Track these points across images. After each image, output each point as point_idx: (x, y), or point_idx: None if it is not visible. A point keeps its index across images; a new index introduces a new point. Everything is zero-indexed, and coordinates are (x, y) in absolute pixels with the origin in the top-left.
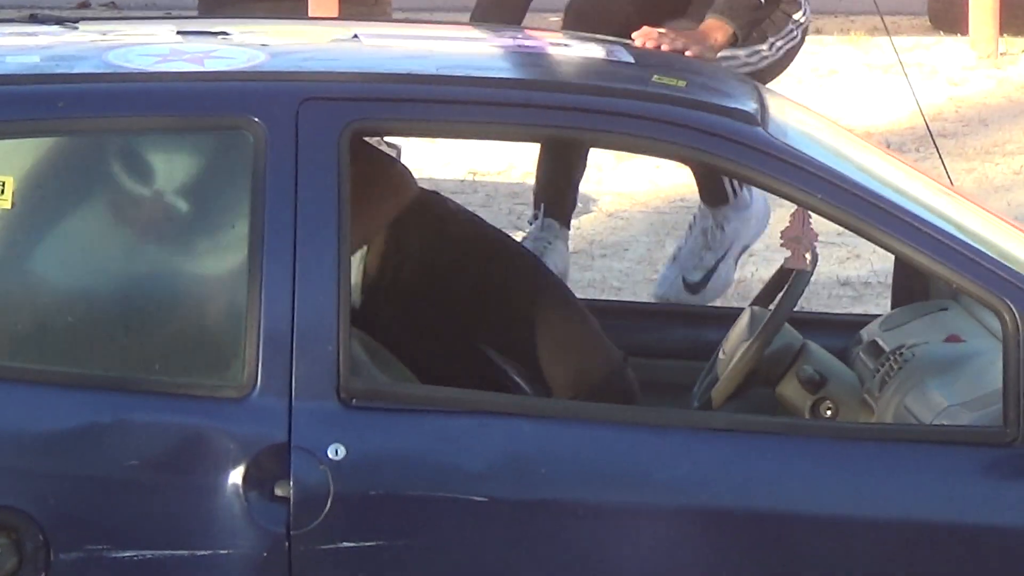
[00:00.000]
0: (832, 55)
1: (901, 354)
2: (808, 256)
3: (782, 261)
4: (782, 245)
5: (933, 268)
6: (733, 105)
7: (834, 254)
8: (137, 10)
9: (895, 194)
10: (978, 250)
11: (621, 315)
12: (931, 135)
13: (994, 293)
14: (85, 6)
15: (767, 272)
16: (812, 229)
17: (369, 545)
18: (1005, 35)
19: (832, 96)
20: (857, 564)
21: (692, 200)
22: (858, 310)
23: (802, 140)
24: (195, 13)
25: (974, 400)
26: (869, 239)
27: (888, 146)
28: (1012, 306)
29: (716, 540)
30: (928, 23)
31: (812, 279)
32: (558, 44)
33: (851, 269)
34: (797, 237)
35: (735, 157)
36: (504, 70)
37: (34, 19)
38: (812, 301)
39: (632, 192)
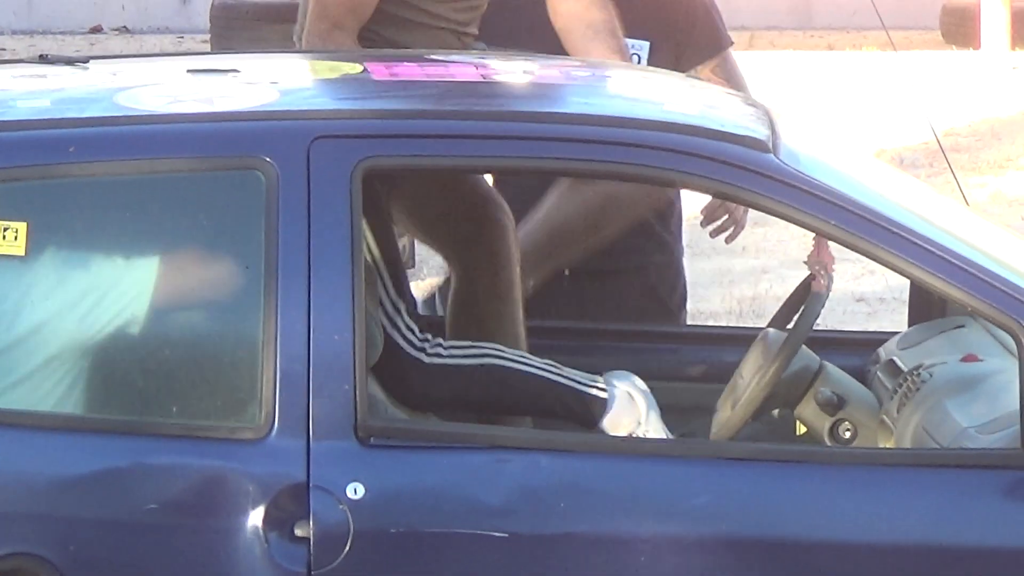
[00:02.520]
0: (844, 71)
1: (919, 374)
2: (826, 280)
3: (795, 279)
4: (808, 268)
5: (946, 291)
6: (744, 132)
7: (848, 270)
8: (149, 34)
9: (907, 216)
10: (990, 271)
11: (636, 338)
12: (943, 150)
13: (1008, 314)
14: (97, 30)
15: (781, 289)
16: (830, 253)
17: None
18: (1017, 48)
19: (844, 113)
20: None
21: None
22: (873, 326)
23: (814, 165)
24: (207, 37)
25: (992, 422)
26: (881, 263)
27: (901, 163)
28: None
29: (737, 570)
30: (940, 37)
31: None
32: (566, 70)
33: (866, 285)
34: (820, 261)
35: (747, 185)
36: (517, 102)
37: (44, 60)
38: (827, 318)
39: None
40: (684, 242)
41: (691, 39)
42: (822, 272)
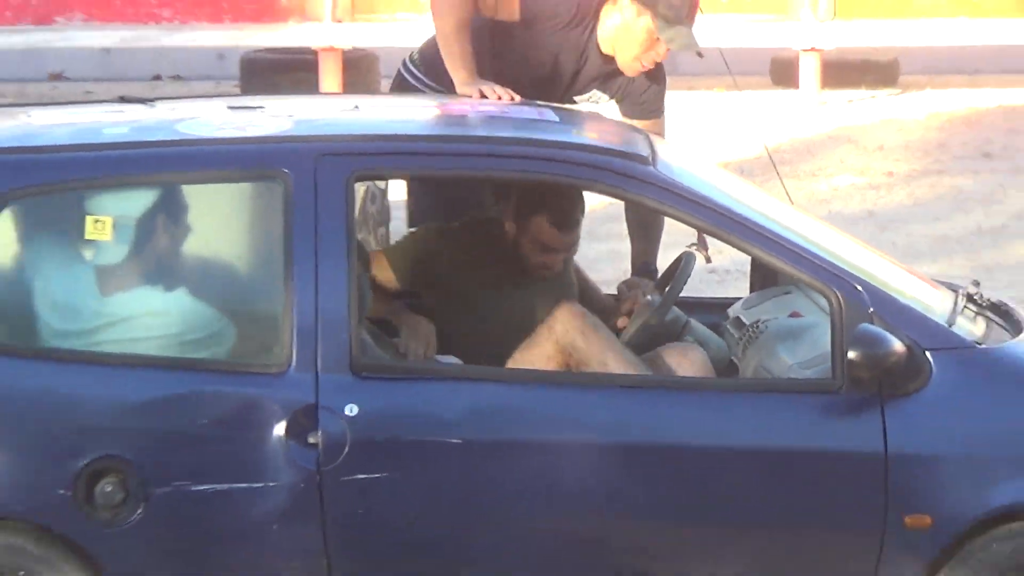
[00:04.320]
0: (701, 105)
1: (757, 327)
2: (697, 254)
3: (670, 256)
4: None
5: (779, 266)
6: (631, 150)
7: None
8: (196, 80)
9: (749, 210)
10: (809, 250)
11: None
12: (773, 162)
13: (823, 282)
14: (157, 78)
15: (657, 263)
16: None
17: (377, 476)
18: (825, 89)
19: (700, 135)
20: (730, 479)
21: (599, 211)
22: (722, 293)
23: (682, 174)
24: (237, 83)
25: (810, 360)
26: (730, 245)
27: (741, 172)
28: (837, 292)
29: (629, 467)
30: (770, 80)
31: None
32: (503, 109)
33: (717, 261)
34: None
35: (632, 189)
36: (469, 128)
37: (123, 100)
38: (688, 285)
39: None
40: (585, 231)
41: (643, 100)
42: (695, 251)
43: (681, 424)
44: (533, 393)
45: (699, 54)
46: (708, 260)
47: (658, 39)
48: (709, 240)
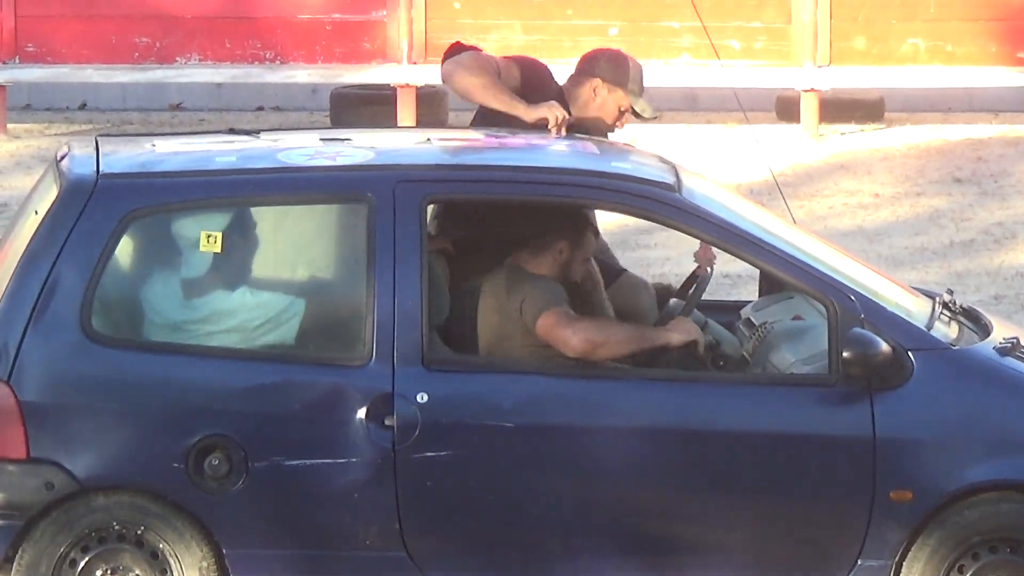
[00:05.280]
0: (717, 137)
1: (765, 327)
2: (710, 269)
3: (689, 264)
4: (695, 260)
5: (782, 278)
6: (659, 179)
7: (721, 257)
8: (293, 111)
9: (758, 229)
10: (810, 264)
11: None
12: (778, 186)
13: (821, 292)
14: (260, 109)
15: (679, 270)
16: (712, 251)
17: (443, 454)
18: (823, 123)
19: (715, 162)
20: (744, 458)
21: (631, 226)
22: (735, 296)
23: (704, 199)
24: (327, 113)
25: (810, 357)
26: (743, 260)
27: (750, 193)
28: (833, 300)
29: (660, 451)
30: (775, 116)
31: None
32: (551, 142)
33: (731, 267)
34: (706, 257)
35: (661, 213)
36: (518, 159)
37: (232, 131)
38: (708, 291)
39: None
40: (618, 241)
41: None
42: (707, 264)
43: (705, 412)
44: (585, 384)
45: (656, 118)
46: (708, 273)
47: (626, 110)
48: (723, 254)
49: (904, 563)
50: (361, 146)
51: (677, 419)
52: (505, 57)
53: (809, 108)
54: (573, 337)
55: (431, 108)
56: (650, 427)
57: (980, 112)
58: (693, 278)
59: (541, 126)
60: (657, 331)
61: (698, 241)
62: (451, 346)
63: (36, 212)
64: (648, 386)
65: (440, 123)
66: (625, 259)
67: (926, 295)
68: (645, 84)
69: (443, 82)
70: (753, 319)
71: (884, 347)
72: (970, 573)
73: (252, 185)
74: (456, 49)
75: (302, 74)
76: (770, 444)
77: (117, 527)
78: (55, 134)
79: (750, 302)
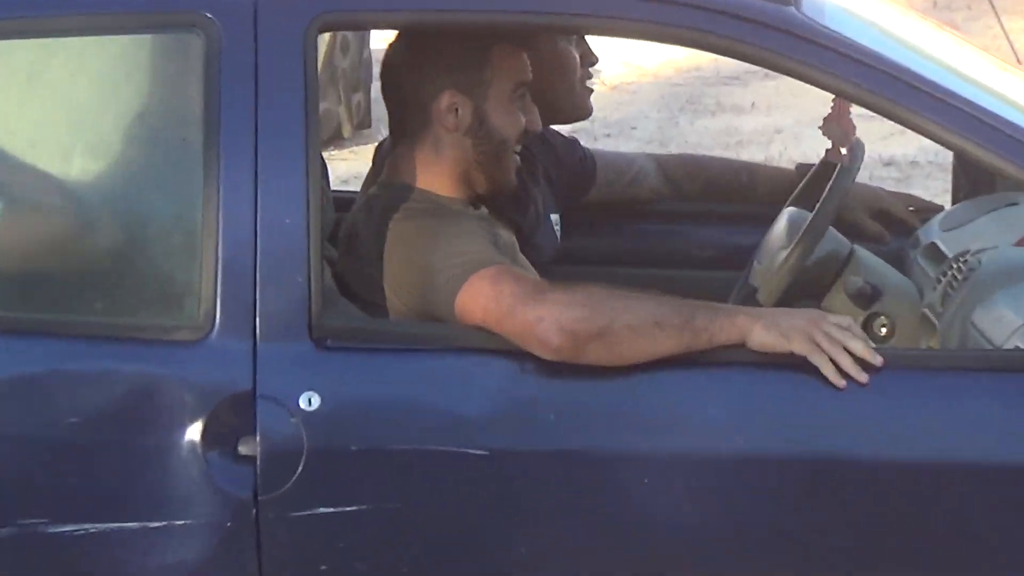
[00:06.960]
0: None
1: (966, 261)
2: (845, 151)
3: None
4: (824, 134)
5: (995, 163)
6: None
7: (875, 129)
8: None
9: (946, 75)
10: None
11: (639, 218)
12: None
13: None
14: None
15: (796, 151)
16: (851, 120)
17: (349, 510)
18: None
19: None
20: (931, 506)
21: (708, 70)
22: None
23: (840, 18)
24: None
25: None
26: (917, 131)
27: (935, 6)
28: None
29: (750, 481)
30: None
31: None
32: None
33: (895, 146)
34: (837, 126)
35: (760, 42)
36: None
37: None
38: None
39: (640, 63)
40: (683, 97)
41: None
42: (846, 141)
43: (846, 425)
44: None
45: None
46: (857, 161)
47: None
48: (879, 120)
49: None
50: None
51: (786, 436)
52: None
53: None
54: (540, 325)
55: None
56: (742, 451)
57: None
58: (825, 168)
59: None
60: (720, 312)
61: (831, 96)
62: (359, 302)
63: None
64: (741, 380)
65: None
66: (693, 133)
67: None
68: None
69: None
70: (943, 245)
71: None
72: None
73: None
74: None
75: None
76: (984, 482)
77: None
78: None
79: (937, 212)
